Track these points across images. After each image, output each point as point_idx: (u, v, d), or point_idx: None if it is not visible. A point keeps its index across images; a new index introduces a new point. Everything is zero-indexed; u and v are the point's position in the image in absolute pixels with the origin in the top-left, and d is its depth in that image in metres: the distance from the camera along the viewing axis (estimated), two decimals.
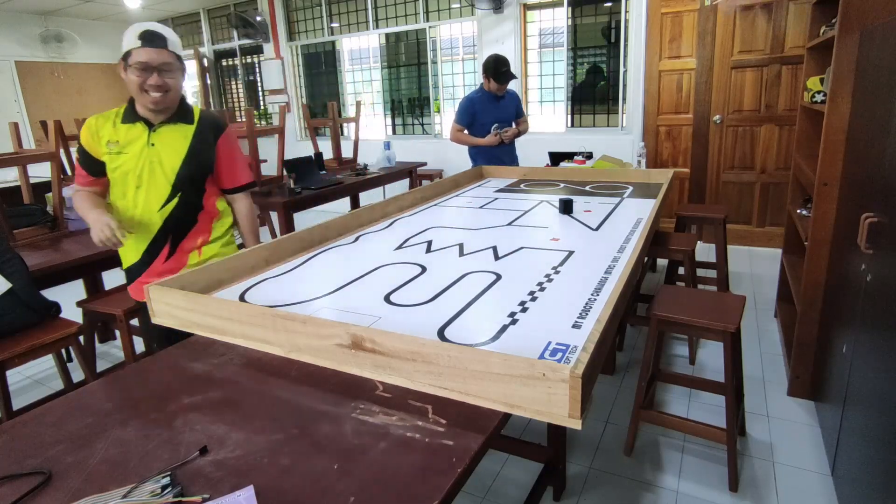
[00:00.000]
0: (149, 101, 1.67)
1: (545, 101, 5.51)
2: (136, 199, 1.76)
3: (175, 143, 1.76)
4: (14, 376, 2.92)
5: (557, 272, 1.55)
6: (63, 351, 2.28)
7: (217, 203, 1.92)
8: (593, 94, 5.26)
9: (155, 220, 1.78)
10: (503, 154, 3.76)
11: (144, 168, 1.73)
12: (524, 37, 5.36)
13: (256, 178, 3.71)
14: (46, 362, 2.98)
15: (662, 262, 4.04)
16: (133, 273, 1.87)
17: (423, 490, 0.78)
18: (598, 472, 2.03)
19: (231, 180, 1.93)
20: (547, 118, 5.54)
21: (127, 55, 1.63)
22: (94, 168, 1.77)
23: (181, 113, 1.78)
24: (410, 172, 4.88)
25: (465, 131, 3.75)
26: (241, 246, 2.03)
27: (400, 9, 5.99)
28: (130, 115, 1.74)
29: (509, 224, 2.15)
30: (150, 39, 1.62)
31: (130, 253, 1.84)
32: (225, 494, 0.79)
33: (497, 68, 3.55)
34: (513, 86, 5.36)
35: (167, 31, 1.67)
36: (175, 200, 1.78)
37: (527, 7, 5.28)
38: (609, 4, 4.96)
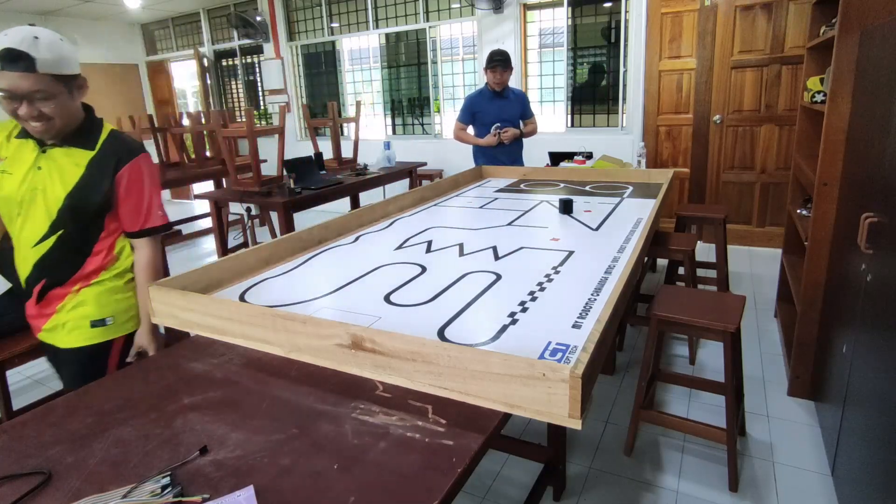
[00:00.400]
0: (32, 131, 1.38)
1: (545, 101, 5.51)
2: (16, 227, 1.46)
3: (64, 170, 1.42)
4: (14, 376, 2.92)
5: (557, 272, 1.55)
6: None
7: (115, 249, 1.57)
8: (593, 94, 5.26)
9: (29, 256, 1.47)
10: (503, 154, 3.66)
11: (26, 195, 1.42)
12: (524, 37, 5.36)
13: (256, 178, 3.71)
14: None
15: (662, 262, 4.04)
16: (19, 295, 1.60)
17: (423, 490, 0.78)
18: (598, 472, 2.03)
19: (132, 221, 1.52)
20: (547, 118, 5.54)
21: None
22: None
23: (81, 134, 1.45)
24: (410, 172, 4.88)
25: (468, 129, 3.75)
26: (242, 245, 1.90)
27: (400, 9, 5.99)
28: (25, 130, 1.42)
29: (509, 224, 2.15)
30: (12, 60, 1.25)
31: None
32: (225, 494, 0.79)
33: (490, 57, 3.52)
34: (515, 85, 5.39)
35: (41, 46, 1.28)
36: (53, 239, 1.45)
37: (527, 7, 5.28)
38: (609, 4, 4.96)
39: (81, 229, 1.48)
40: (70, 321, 1.52)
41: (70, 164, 1.43)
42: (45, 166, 1.42)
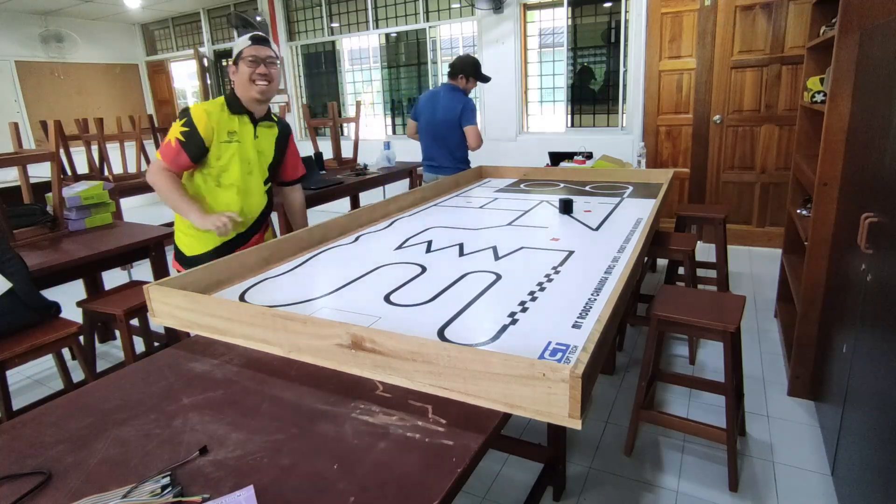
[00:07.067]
0: (258, 91, 1.90)
1: (545, 101, 5.51)
2: (248, 183, 2.01)
3: (268, 138, 2.06)
4: (14, 376, 2.92)
5: (557, 272, 1.55)
6: (63, 351, 2.28)
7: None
8: (593, 94, 5.26)
9: (262, 200, 2.09)
10: None
11: (253, 156, 2.00)
12: (524, 37, 5.36)
13: None
14: (46, 362, 2.98)
15: (662, 262, 4.04)
16: (221, 251, 1.95)
17: (423, 490, 0.78)
18: (598, 472, 2.03)
19: (293, 173, 2.25)
20: (547, 118, 5.54)
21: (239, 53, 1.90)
22: (199, 153, 1.89)
23: (269, 115, 2.08)
24: (410, 172, 4.87)
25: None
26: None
27: (400, 9, 5.99)
28: (237, 108, 1.94)
29: (509, 224, 2.15)
30: (259, 40, 1.92)
31: (212, 239, 1.98)
32: (225, 494, 0.79)
33: (478, 69, 3.61)
34: (514, 84, 5.39)
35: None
36: (268, 185, 2.11)
37: (527, 7, 5.28)
38: (609, 4, 4.96)
39: (271, 180, 2.13)
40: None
41: (270, 134, 2.07)
42: (260, 135, 2.02)
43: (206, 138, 1.87)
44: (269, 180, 2.11)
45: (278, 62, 1.97)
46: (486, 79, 3.68)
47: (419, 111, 3.69)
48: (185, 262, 2.02)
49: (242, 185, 1.99)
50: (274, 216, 4.13)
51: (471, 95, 3.72)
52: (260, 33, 1.94)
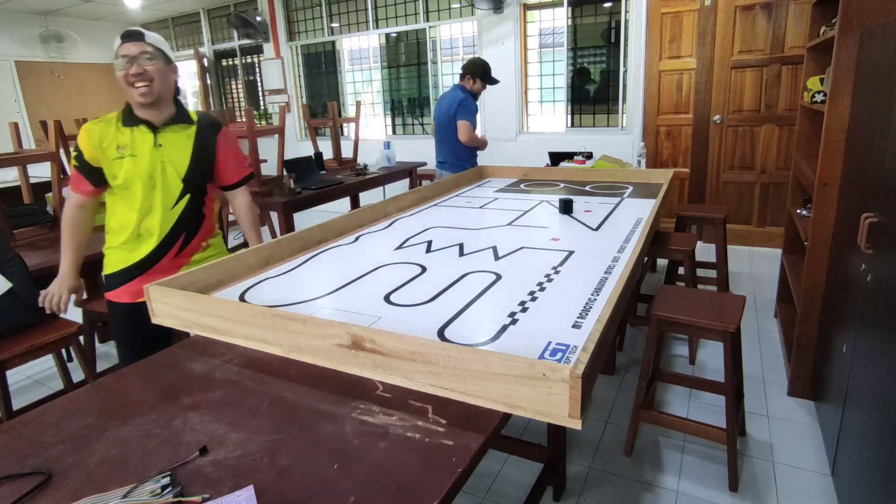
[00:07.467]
0: (137, 94, 1.67)
1: (545, 101, 5.51)
2: (151, 200, 1.76)
3: (180, 143, 1.79)
4: (14, 376, 2.92)
5: (557, 272, 1.55)
6: (63, 351, 2.28)
7: (213, 215, 1.96)
8: (590, 94, 5.26)
9: (170, 217, 1.80)
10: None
11: (157, 168, 1.74)
12: (524, 37, 5.36)
13: (256, 178, 3.71)
14: (46, 362, 2.98)
15: (662, 262, 4.04)
16: (129, 273, 1.81)
17: (423, 490, 0.78)
18: (598, 472, 2.03)
19: (232, 175, 1.95)
20: (547, 118, 5.54)
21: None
22: (94, 176, 1.74)
23: (180, 115, 1.80)
24: (410, 172, 4.87)
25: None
26: (243, 245, 2.06)
27: (400, 9, 5.99)
28: (130, 119, 1.73)
29: (509, 224, 2.15)
30: (129, 35, 1.70)
31: (125, 256, 1.80)
32: (225, 494, 0.79)
33: (488, 71, 3.74)
34: (514, 85, 5.40)
35: (147, 33, 1.72)
36: (186, 198, 1.82)
37: (527, 7, 5.28)
38: (609, 4, 4.96)
39: (199, 187, 1.85)
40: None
41: (182, 138, 1.79)
42: (164, 142, 1.75)
43: (91, 159, 1.71)
44: (194, 189, 1.83)
45: (161, 57, 1.69)
46: (493, 81, 3.79)
47: (434, 111, 3.94)
48: (114, 275, 1.85)
49: (144, 203, 1.74)
50: (274, 215, 4.14)
51: None
52: (133, 28, 1.70)
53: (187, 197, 1.81)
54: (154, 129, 1.74)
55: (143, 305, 1.44)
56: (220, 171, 1.91)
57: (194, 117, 1.83)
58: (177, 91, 1.81)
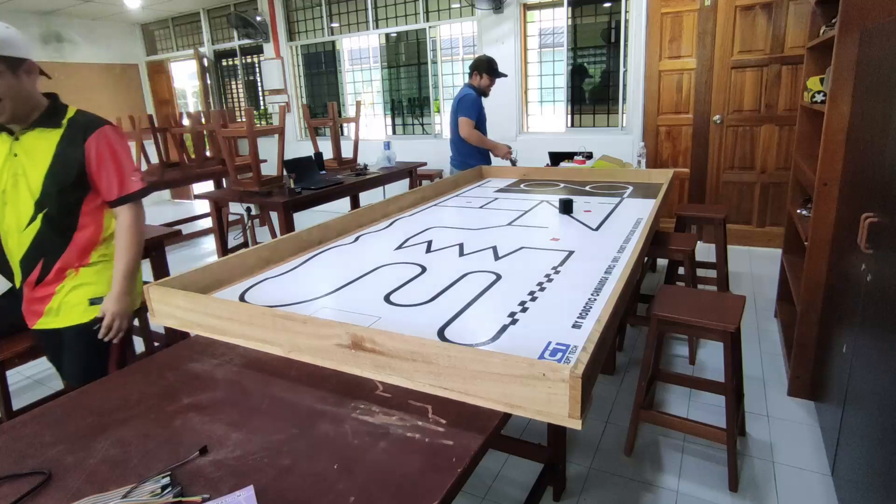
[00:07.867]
0: None
1: (545, 101, 5.51)
2: (5, 216, 1.54)
3: (39, 151, 1.50)
4: (14, 376, 2.92)
5: (557, 272, 1.55)
6: None
7: (104, 224, 1.65)
8: (593, 94, 5.26)
9: (23, 240, 1.55)
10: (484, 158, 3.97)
11: (8, 182, 1.50)
12: (524, 37, 5.36)
13: (256, 178, 3.70)
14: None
15: (662, 262, 4.04)
16: (18, 296, 1.67)
17: (423, 490, 0.78)
18: (598, 472, 2.03)
19: (109, 190, 1.58)
20: (547, 118, 5.54)
21: None
22: None
23: (47, 117, 1.52)
24: (410, 172, 4.88)
25: None
26: (242, 245, 1.95)
27: (400, 9, 5.99)
28: None
29: (509, 224, 2.15)
30: None
31: (6, 282, 1.66)
32: (225, 494, 0.79)
33: (497, 67, 3.80)
34: (514, 85, 5.40)
35: None
36: (39, 218, 1.52)
37: (527, 7, 5.28)
38: (609, 4, 4.96)
39: (63, 205, 1.54)
40: (70, 300, 1.60)
41: (42, 145, 1.51)
42: (20, 152, 1.50)
43: None
44: (56, 205, 1.53)
45: (4, 70, 1.41)
46: (499, 74, 3.85)
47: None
48: (11, 295, 1.71)
49: (1, 223, 1.53)
50: (274, 215, 4.14)
51: None
52: None
53: (41, 216, 1.52)
54: (12, 135, 1.51)
55: (47, 332, 1.43)
56: (96, 183, 1.57)
57: (67, 117, 1.55)
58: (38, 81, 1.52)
